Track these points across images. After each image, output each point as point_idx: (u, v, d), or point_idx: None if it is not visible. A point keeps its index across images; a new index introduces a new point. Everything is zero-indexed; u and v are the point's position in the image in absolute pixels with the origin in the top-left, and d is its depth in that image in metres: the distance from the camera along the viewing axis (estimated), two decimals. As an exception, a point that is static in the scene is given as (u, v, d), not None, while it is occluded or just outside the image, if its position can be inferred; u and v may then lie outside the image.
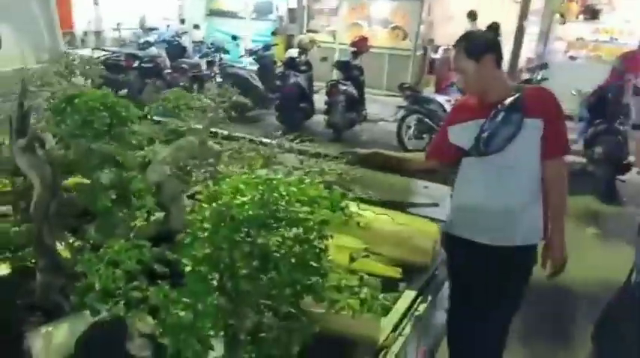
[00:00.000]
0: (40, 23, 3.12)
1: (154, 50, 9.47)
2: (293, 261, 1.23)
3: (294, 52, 9.14)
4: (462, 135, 2.38)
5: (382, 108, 9.75)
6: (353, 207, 2.21)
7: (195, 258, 1.31)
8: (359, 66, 8.97)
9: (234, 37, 9.99)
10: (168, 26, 11.28)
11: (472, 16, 10.23)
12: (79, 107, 1.58)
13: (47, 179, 1.63)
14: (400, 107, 7.80)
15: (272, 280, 1.23)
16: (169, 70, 8.56)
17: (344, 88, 8.14)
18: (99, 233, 1.60)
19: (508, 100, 2.26)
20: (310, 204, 1.29)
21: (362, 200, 2.41)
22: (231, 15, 13.66)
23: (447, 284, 2.52)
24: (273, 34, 11.48)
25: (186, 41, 10.53)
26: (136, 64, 8.58)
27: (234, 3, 13.81)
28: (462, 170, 2.43)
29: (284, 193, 1.27)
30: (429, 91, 9.22)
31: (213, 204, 1.27)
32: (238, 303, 1.28)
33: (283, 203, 1.25)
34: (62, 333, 1.53)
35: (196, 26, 11.12)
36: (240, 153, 2.07)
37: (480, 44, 2.30)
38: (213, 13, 13.86)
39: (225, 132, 2.65)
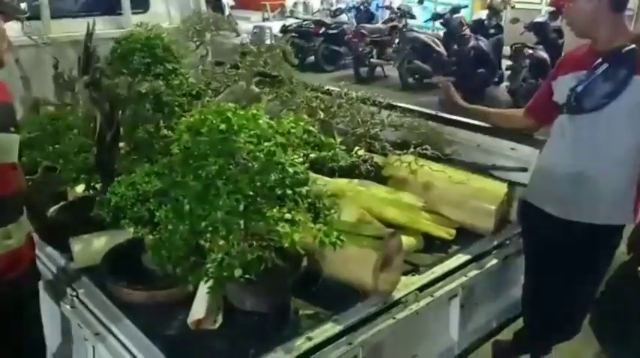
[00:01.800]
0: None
1: (343, 17, 9.80)
2: (231, 186, 1.28)
3: (482, 14, 8.64)
4: (560, 89, 2.04)
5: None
6: (412, 163, 2.17)
7: (167, 182, 1.45)
8: (557, 28, 8.09)
9: (421, 1, 9.76)
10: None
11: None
12: (124, 47, 1.80)
13: (106, 112, 1.90)
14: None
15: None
16: (350, 36, 8.76)
17: (530, 51, 7.44)
18: (134, 161, 1.82)
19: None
20: (260, 138, 1.31)
21: (436, 159, 2.29)
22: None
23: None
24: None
25: (374, 7, 10.66)
26: (322, 31, 8.98)
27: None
28: (552, 129, 2.11)
29: (234, 125, 1.31)
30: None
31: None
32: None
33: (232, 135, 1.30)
34: (100, 242, 1.81)
35: (385, -9, 11.17)
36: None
37: None
38: (412, -22, 13.67)
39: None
